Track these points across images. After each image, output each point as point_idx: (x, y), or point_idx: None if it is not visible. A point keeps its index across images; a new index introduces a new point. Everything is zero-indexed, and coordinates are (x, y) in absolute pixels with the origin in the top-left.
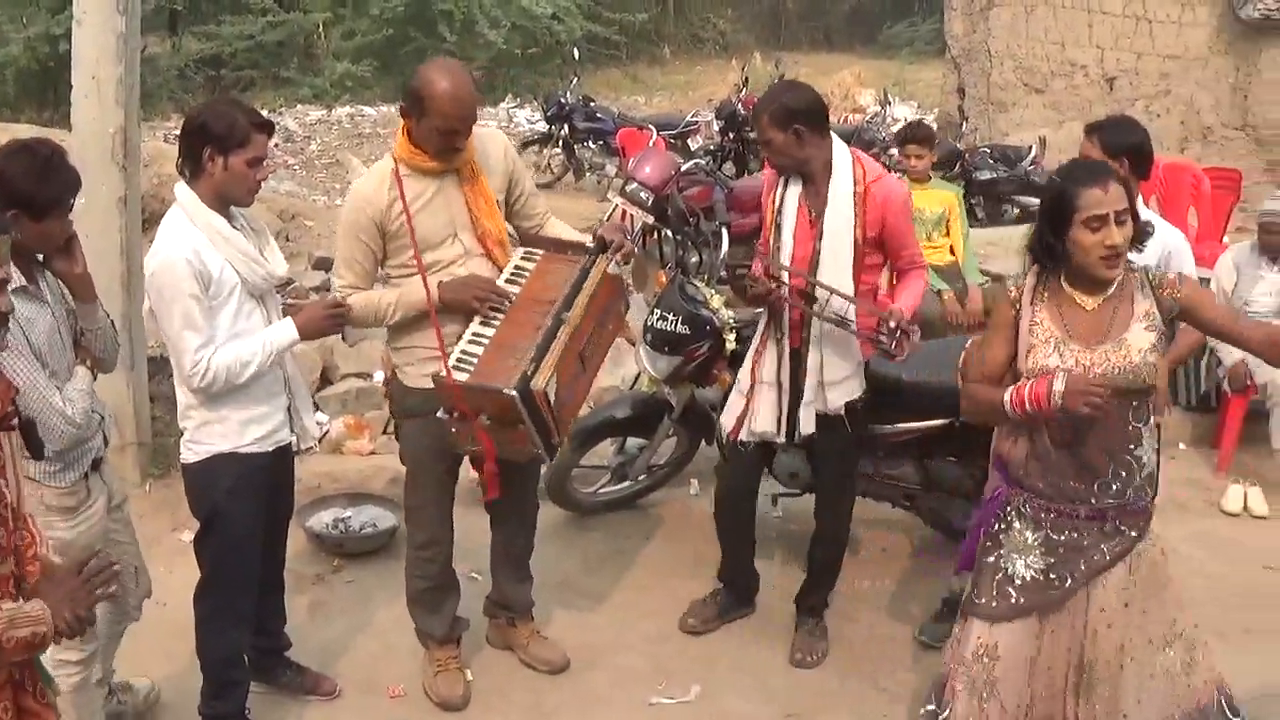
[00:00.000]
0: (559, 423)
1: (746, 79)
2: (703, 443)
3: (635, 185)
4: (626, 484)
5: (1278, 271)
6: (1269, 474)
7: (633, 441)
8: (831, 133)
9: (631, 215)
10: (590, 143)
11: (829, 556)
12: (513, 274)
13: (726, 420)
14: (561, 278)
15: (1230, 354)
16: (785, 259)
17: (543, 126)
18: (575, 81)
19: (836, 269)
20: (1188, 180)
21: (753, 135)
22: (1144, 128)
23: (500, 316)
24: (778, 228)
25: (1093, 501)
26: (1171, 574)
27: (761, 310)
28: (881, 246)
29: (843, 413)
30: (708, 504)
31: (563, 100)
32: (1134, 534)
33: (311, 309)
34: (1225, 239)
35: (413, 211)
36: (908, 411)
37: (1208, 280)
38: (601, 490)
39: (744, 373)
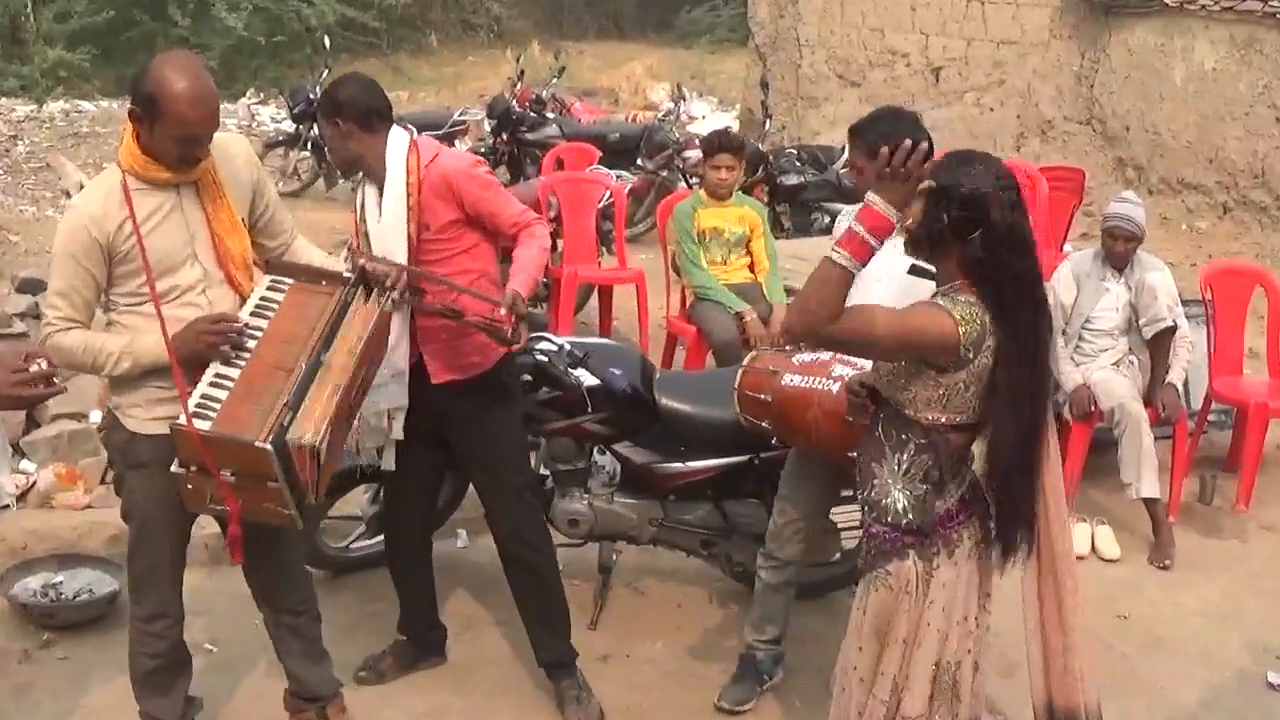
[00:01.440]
0: (318, 481)
1: (522, 71)
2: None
3: None
4: (383, 537)
5: (1123, 283)
6: (1117, 510)
7: None
8: (396, 127)
9: None
10: None
11: (541, 592)
12: (259, 306)
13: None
14: (316, 312)
15: (1070, 377)
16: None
17: (289, 126)
18: (326, 74)
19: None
20: (1021, 182)
21: (530, 135)
22: (913, 115)
23: (246, 355)
24: (364, 220)
25: (860, 494)
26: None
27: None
28: (480, 225)
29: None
30: (479, 556)
31: (312, 96)
32: (870, 556)
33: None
34: (1066, 247)
35: (145, 231)
36: (700, 448)
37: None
38: (355, 545)
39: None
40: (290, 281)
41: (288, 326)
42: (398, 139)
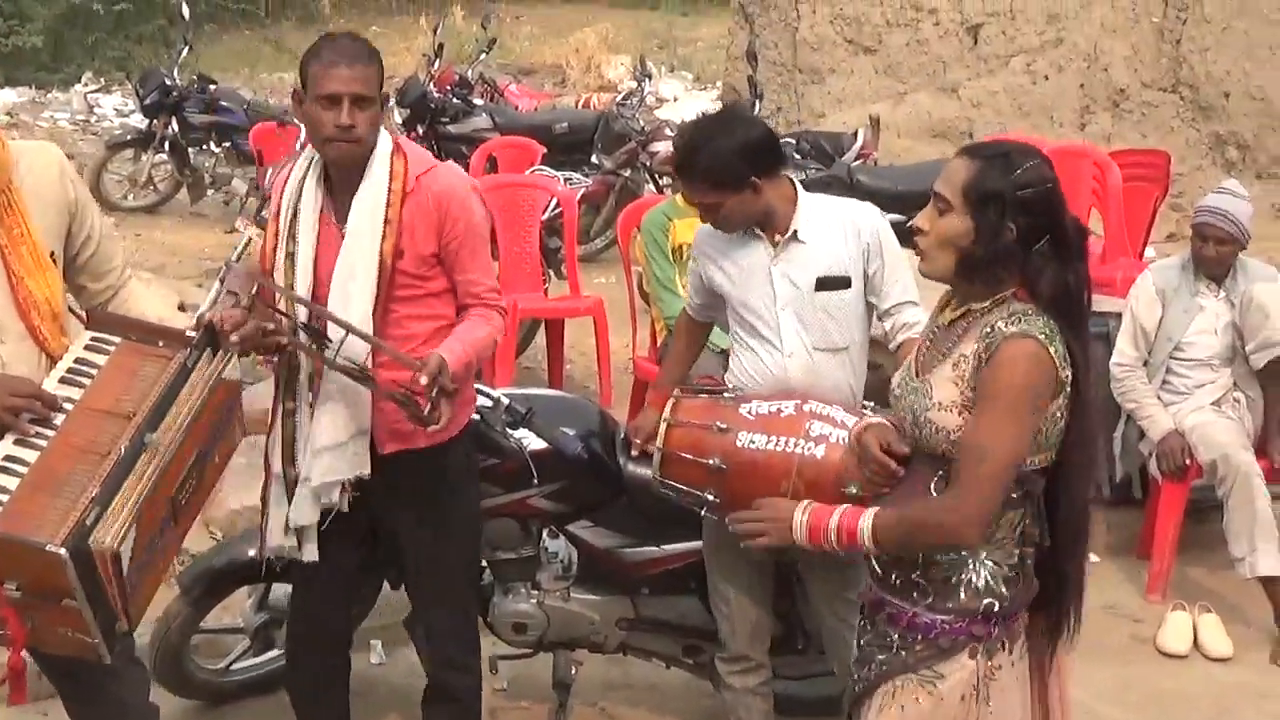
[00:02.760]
0: (130, 600)
1: (441, 46)
2: (385, 585)
3: None
4: (274, 653)
5: (1223, 298)
6: (1227, 594)
7: (281, 589)
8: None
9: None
10: (212, 144)
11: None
12: (73, 370)
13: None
14: (147, 380)
15: (1158, 421)
16: (302, 285)
17: (140, 120)
18: (185, 51)
19: (349, 294)
20: (1086, 170)
21: (453, 128)
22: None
23: (48, 435)
24: (291, 238)
25: (878, 573)
26: None
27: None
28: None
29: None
30: (397, 674)
31: (169, 81)
32: (903, 655)
33: None
34: (1148, 253)
35: None
36: (679, 525)
37: (1115, 316)
38: (237, 665)
39: (273, 457)
40: (117, 340)
41: (109, 398)
42: (381, 135)
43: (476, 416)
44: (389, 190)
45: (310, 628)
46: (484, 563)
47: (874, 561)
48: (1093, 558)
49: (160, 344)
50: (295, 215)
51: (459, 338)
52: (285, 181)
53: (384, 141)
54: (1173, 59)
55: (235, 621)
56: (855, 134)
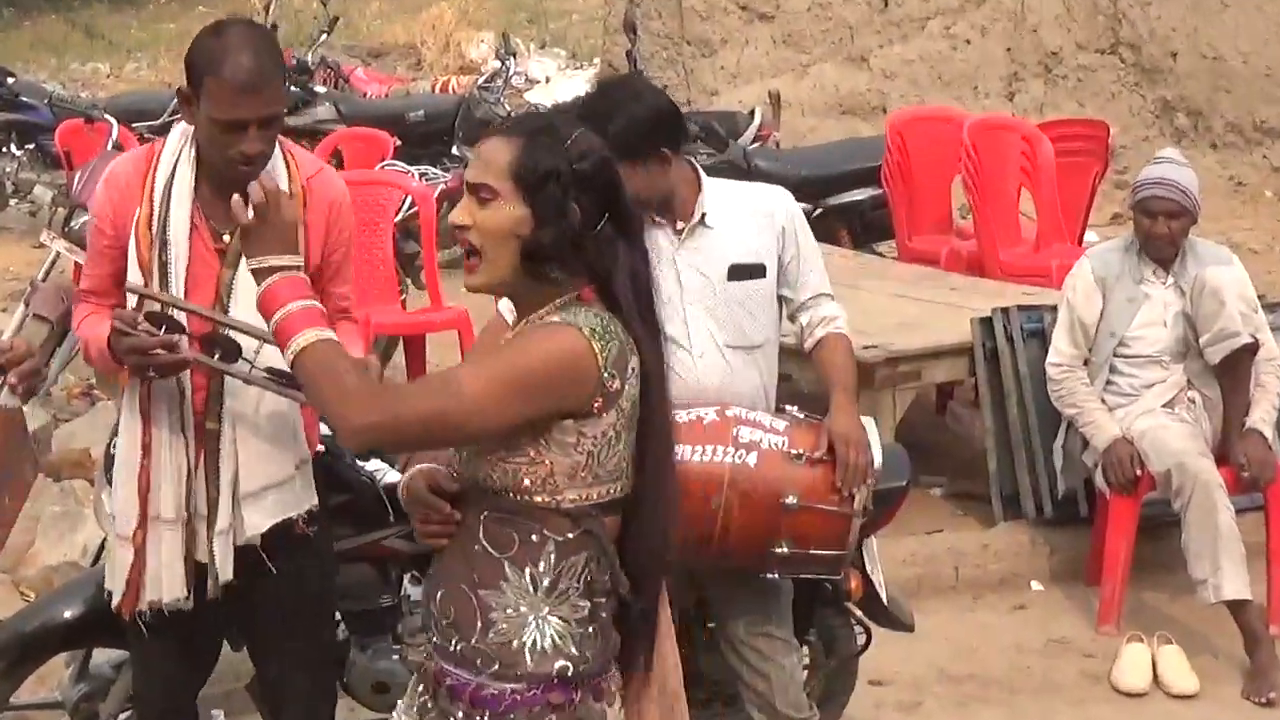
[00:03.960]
0: None
1: (274, 26)
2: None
3: (88, 218)
4: None
5: (1171, 285)
6: (1189, 621)
7: (104, 655)
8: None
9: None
10: (12, 146)
11: None
12: None
13: (113, 584)
14: None
15: (1102, 427)
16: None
17: None
18: None
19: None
20: (1014, 145)
21: (292, 119)
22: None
23: None
24: (163, 245)
25: (434, 641)
26: None
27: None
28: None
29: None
30: None
31: None
32: None
33: None
34: (1088, 236)
35: None
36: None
37: (1050, 310)
38: None
39: (121, 499)
40: None
41: None
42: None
43: (321, 448)
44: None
45: (165, 695)
46: (337, 616)
47: (434, 626)
48: (1034, 585)
49: None
50: (166, 218)
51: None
52: (150, 170)
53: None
54: (1110, 16)
55: (51, 695)
56: (752, 113)
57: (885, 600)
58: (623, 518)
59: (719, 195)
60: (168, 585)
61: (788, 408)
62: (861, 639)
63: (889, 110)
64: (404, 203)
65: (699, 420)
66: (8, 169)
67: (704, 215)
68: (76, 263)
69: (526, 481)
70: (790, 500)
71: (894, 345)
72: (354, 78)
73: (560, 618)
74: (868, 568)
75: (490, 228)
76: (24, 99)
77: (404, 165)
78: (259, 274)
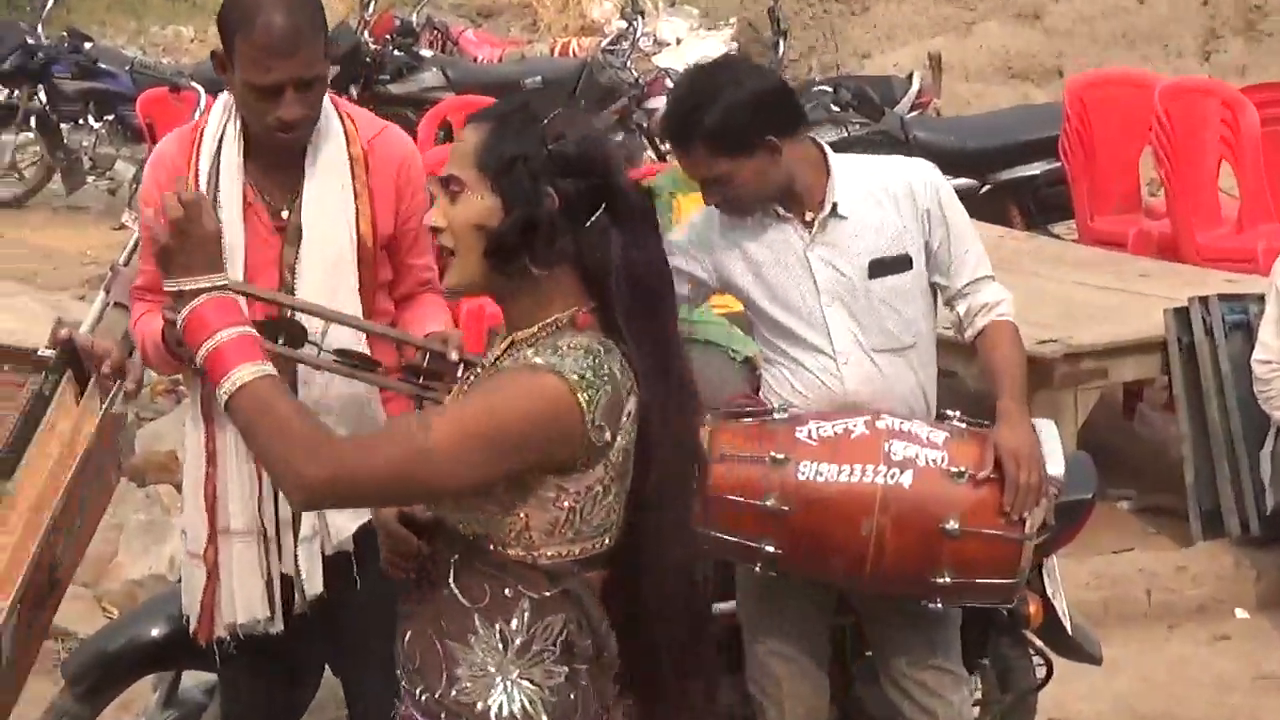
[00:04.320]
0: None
1: None
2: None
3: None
4: None
5: None
6: None
7: (194, 678)
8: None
9: None
10: (90, 118)
11: None
12: None
13: (188, 607)
14: None
15: None
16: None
17: None
18: (51, 3)
19: (333, 288)
20: (1213, 112)
21: (395, 87)
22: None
23: None
24: None
25: (403, 684)
26: None
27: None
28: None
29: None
30: None
31: (31, 40)
32: None
33: None
34: None
35: None
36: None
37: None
38: None
39: (190, 513)
40: None
41: None
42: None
43: None
44: (349, 158)
45: None
46: None
47: (402, 668)
48: (1238, 613)
49: (4, 367)
50: (216, 198)
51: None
52: (194, 150)
53: (324, 104)
54: None
55: None
56: (910, 78)
57: (1068, 628)
58: (618, 569)
59: (851, 179)
60: (245, 605)
61: (949, 414)
62: (1041, 671)
63: (1066, 73)
64: None
65: (846, 434)
66: (85, 142)
67: (835, 205)
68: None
69: (499, 533)
70: (951, 525)
71: (1075, 339)
72: (463, 40)
73: (532, 682)
74: (1048, 591)
75: (459, 222)
76: (103, 66)
77: None
78: (180, 298)
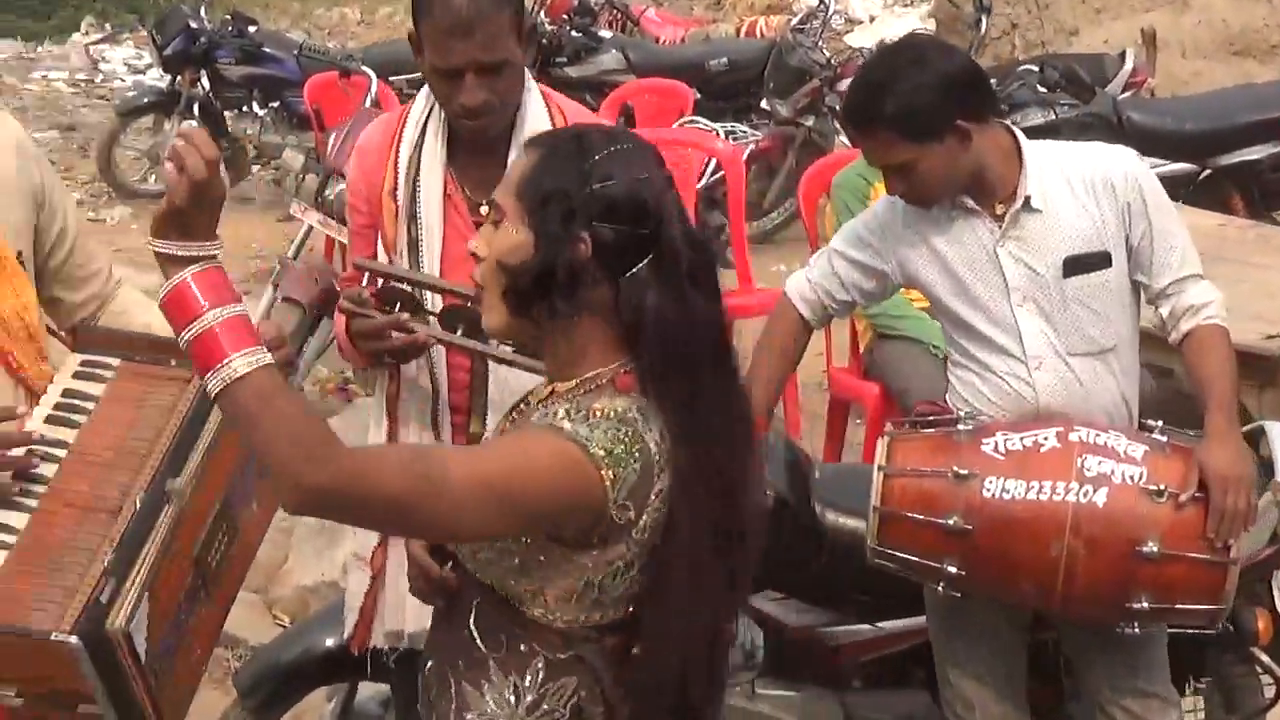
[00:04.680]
0: (159, 697)
1: None
2: None
3: (344, 187)
4: None
5: None
6: None
7: (370, 690)
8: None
9: (343, 245)
10: (255, 105)
11: None
12: (60, 406)
13: (347, 610)
14: (159, 411)
15: None
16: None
17: (159, 77)
18: None
19: None
20: None
21: (574, 71)
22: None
23: (38, 489)
24: (412, 219)
25: (420, 710)
26: None
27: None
28: None
29: None
30: None
31: (194, 24)
32: None
33: None
34: None
35: None
36: (900, 595)
37: None
38: None
39: None
40: (114, 362)
41: (110, 437)
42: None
43: None
44: None
45: None
46: None
47: (421, 692)
48: None
49: (172, 363)
50: (416, 188)
51: None
52: (395, 139)
53: (532, 92)
54: None
55: None
56: (1122, 56)
57: None
58: (639, 635)
59: (1046, 169)
60: (415, 614)
61: (1151, 424)
62: (1270, 691)
63: None
64: (707, 166)
65: (1035, 448)
66: (249, 130)
67: (1028, 198)
68: (330, 238)
69: (515, 592)
70: (1149, 548)
71: None
72: (645, 20)
73: None
74: (1278, 605)
75: (492, 254)
76: (268, 51)
77: (706, 122)
78: (165, 262)
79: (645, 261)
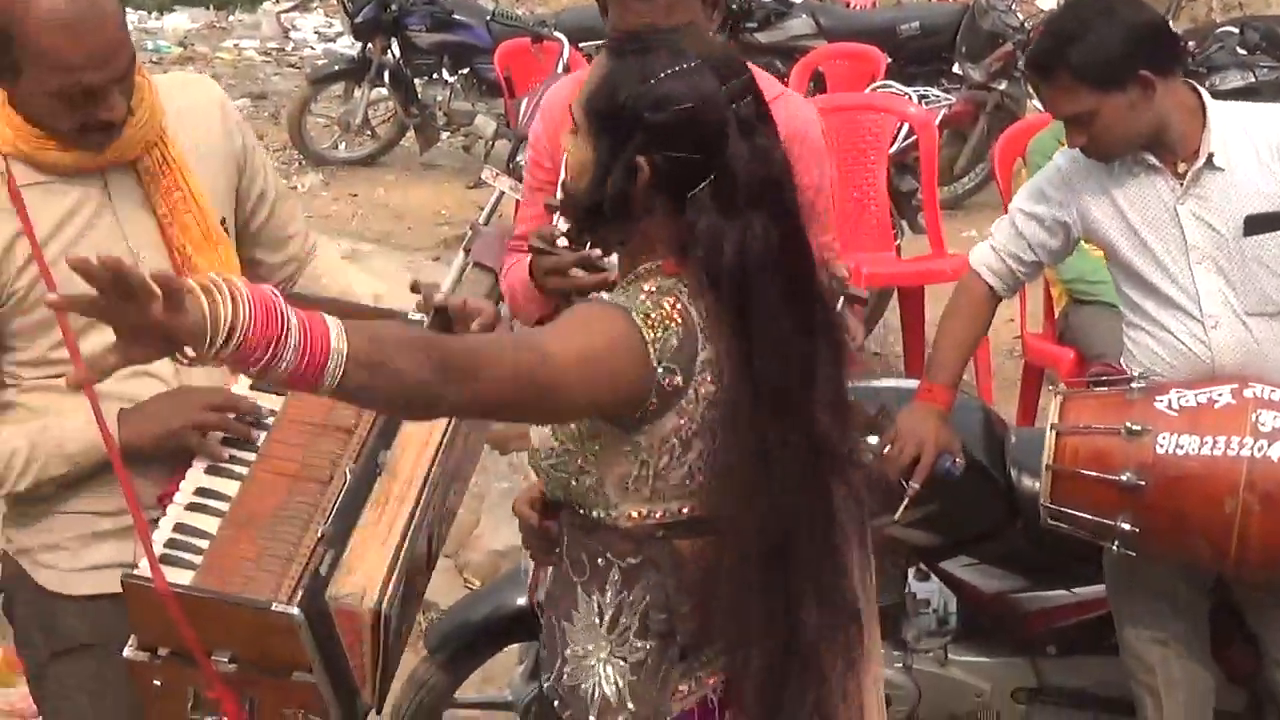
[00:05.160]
0: (378, 668)
1: None
2: None
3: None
4: None
5: None
6: None
7: None
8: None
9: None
10: (445, 72)
11: None
12: None
13: (525, 567)
14: None
15: None
16: None
17: (350, 45)
18: None
19: None
20: None
21: (763, 35)
22: None
23: (248, 459)
24: None
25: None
26: None
27: None
28: None
29: None
30: None
31: None
32: None
33: None
34: None
35: (52, 254)
36: (1095, 561)
37: None
38: None
39: None
40: None
41: (319, 406)
42: None
43: None
44: None
45: None
46: None
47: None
48: None
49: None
50: None
51: None
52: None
53: None
54: None
55: (500, 694)
56: None
57: None
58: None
59: (1230, 128)
60: None
61: None
62: None
63: None
64: (900, 131)
65: (1209, 404)
66: (439, 97)
67: (1210, 156)
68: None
69: (578, 492)
70: None
71: None
72: None
73: (621, 659)
74: None
75: (567, 167)
76: (458, 18)
77: (899, 87)
78: (233, 364)
79: (705, 184)
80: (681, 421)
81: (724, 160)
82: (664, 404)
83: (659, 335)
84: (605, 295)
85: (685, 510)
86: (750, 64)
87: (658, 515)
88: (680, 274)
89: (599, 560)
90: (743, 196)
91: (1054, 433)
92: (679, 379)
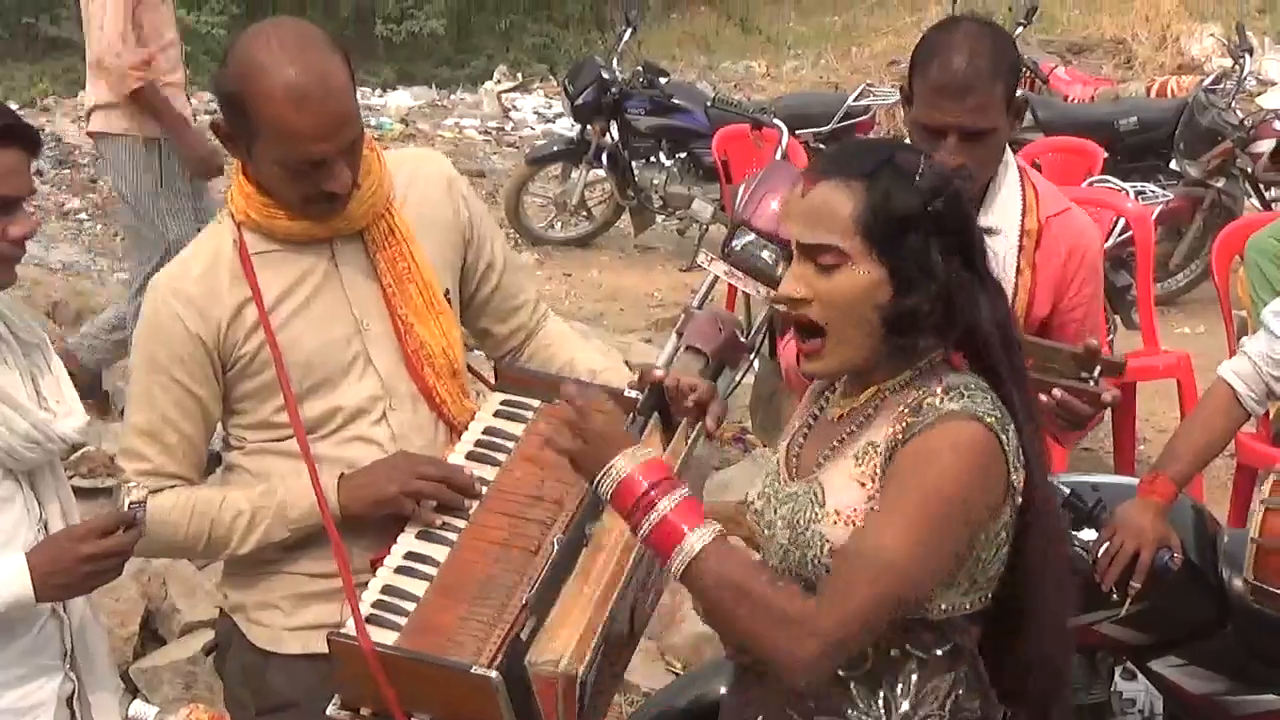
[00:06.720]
0: None
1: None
2: None
3: (751, 239)
4: None
5: None
6: None
7: None
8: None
9: (745, 295)
10: (662, 155)
11: None
12: (481, 444)
13: None
14: None
15: None
16: None
17: (569, 126)
18: (627, 36)
19: None
20: None
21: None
22: None
23: (459, 524)
24: None
25: None
26: None
27: None
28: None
29: None
30: None
31: (606, 74)
32: None
33: (65, 545)
34: None
35: (280, 321)
36: None
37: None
38: None
39: None
40: (534, 403)
41: (529, 477)
42: (1007, 154)
43: None
44: (1021, 229)
45: None
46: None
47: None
48: None
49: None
50: None
51: None
52: None
53: (1009, 165)
54: None
55: None
56: None
57: None
58: (995, 627)
59: None
60: None
61: None
62: None
63: None
64: (1115, 226)
65: None
66: (656, 180)
67: None
68: (734, 289)
69: None
70: None
71: None
72: (1054, 78)
73: None
74: None
75: (839, 299)
76: (677, 102)
77: (1115, 181)
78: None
79: (957, 262)
80: (1009, 514)
81: (976, 236)
82: (1006, 498)
83: (1009, 437)
84: (934, 401)
85: (987, 598)
86: (1033, 177)
87: (968, 605)
88: (962, 366)
89: (891, 652)
90: (986, 264)
91: (1263, 508)
92: (1018, 474)
